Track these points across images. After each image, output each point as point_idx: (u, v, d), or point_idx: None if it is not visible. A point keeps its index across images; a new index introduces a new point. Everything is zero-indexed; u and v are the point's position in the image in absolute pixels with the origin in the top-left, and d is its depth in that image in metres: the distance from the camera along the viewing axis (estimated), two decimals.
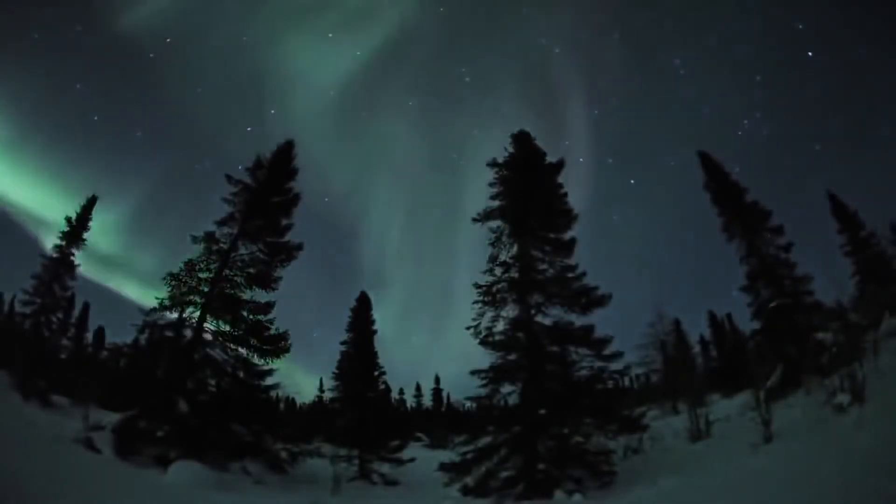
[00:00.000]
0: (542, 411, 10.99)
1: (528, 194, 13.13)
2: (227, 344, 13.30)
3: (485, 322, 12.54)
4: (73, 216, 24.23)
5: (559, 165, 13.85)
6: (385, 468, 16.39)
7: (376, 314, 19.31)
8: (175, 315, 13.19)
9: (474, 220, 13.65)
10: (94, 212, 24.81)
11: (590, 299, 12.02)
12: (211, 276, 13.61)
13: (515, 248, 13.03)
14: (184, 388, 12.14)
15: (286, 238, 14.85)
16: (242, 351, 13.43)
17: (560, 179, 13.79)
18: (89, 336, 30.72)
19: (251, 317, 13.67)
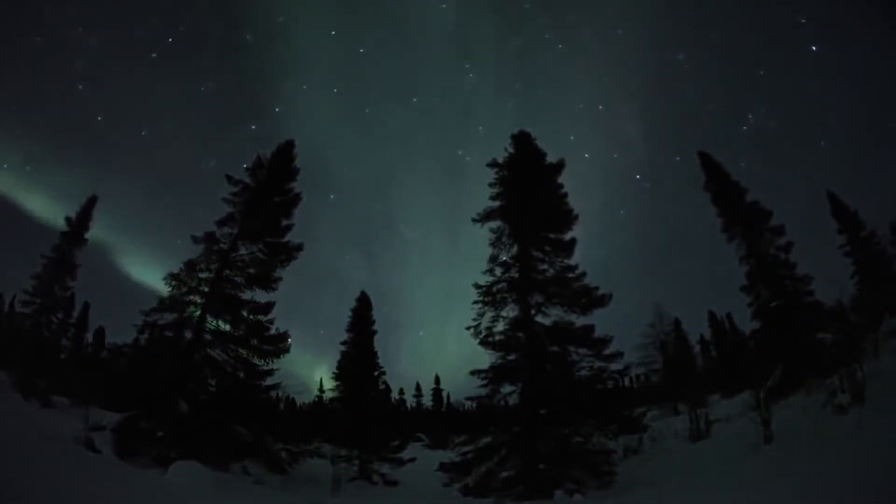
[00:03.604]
0: (542, 411, 11.01)
1: (528, 195, 13.14)
2: (228, 344, 13.29)
3: (485, 322, 12.56)
4: (74, 216, 24.36)
5: (559, 166, 13.85)
6: (385, 468, 16.39)
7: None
8: (175, 315, 13.18)
9: (474, 220, 13.67)
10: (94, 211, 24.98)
11: (590, 299, 12.03)
12: (211, 276, 13.61)
13: (515, 249, 13.04)
14: (184, 389, 12.13)
15: (286, 238, 14.85)
16: (242, 351, 13.43)
17: (562, 178, 13.81)
18: (89, 336, 30.76)
19: (251, 317, 13.67)
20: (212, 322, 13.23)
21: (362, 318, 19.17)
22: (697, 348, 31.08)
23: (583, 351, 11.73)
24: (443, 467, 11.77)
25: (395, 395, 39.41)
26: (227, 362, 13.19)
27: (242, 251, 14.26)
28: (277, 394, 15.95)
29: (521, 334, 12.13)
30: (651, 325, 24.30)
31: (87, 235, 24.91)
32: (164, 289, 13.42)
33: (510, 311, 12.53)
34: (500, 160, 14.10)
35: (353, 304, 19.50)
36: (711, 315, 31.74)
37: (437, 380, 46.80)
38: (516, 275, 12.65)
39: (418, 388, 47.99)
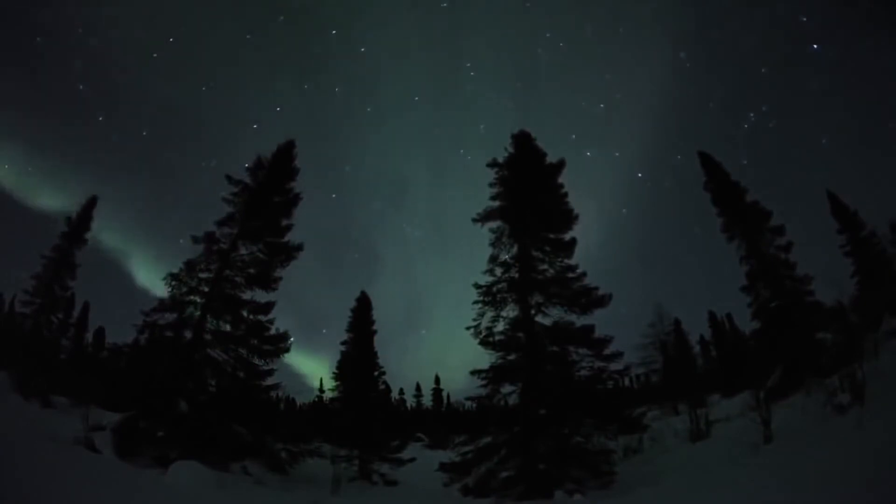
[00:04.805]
0: (542, 411, 11.00)
1: (528, 195, 13.13)
2: (228, 344, 13.28)
3: (485, 322, 12.55)
4: (74, 216, 24.38)
5: (559, 165, 13.83)
6: (385, 468, 16.39)
7: None
8: (175, 315, 13.17)
9: (474, 220, 13.66)
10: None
11: (590, 299, 12.02)
12: (211, 276, 13.60)
13: (515, 249, 13.03)
14: (184, 389, 12.13)
15: (286, 238, 14.85)
16: (242, 351, 13.42)
17: (563, 177, 13.78)
18: (89, 336, 30.75)
19: (251, 317, 13.66)
20: (212, 322, 13.23)
21: (362, 319, 19.17)
22: (697, 348, 31.14)
23: (583, 351, 11.71)
24: (443, 467, 11.77)
25: (395, 395, 39.45)
26: (227, 362, 13.18)
27: (242, 251, 14.25)
28: (277, 394, 15.94)
29: (521, 334, 12.12)
30: (651, 325, 24.38)
31: (88, 235, 24.95)
32: (164, 288, 13.43)
33: (510, 311, 12.52)
34: (501, 160, 14.10)
35: (353, 304, 19.52)
36: (711, 315, 31.73)
37: (437, 380, 46.83)
38: (516, 275, 12.63)
39: (418, 388, 48.01)
